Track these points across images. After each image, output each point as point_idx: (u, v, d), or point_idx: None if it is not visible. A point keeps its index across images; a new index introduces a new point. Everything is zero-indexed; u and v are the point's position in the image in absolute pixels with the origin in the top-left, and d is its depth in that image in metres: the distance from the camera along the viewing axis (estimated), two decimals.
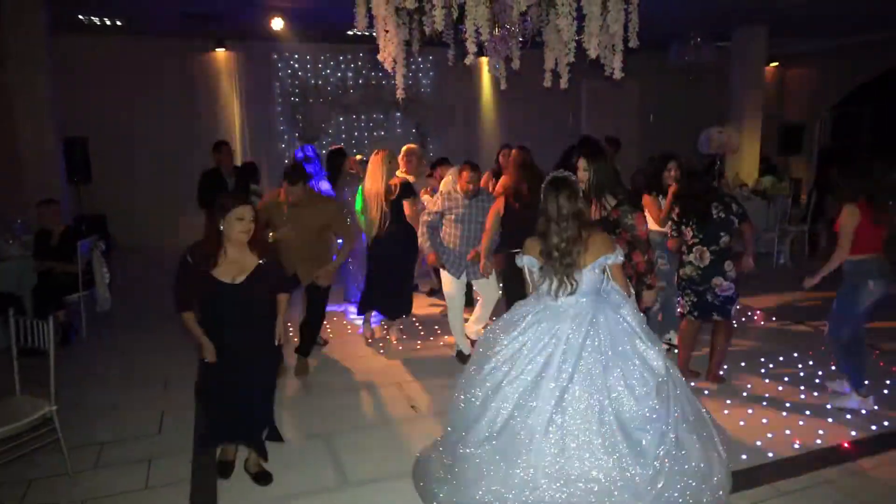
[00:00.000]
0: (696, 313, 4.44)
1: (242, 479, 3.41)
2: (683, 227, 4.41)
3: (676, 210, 4.52)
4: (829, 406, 4.19)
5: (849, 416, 4.04)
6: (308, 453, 3.67)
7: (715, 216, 4.27)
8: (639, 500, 2.70)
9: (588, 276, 2.99)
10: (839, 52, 11.78)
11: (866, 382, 4.19)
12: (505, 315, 3.24)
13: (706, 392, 4.44)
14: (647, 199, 4.96)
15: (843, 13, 8.72)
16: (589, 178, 3.76)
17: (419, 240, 5.12)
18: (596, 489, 2.70)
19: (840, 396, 4.27)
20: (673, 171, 4.85)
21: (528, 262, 3.12)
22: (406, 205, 5.15)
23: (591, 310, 2.97)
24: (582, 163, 3.80)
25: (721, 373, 4.62)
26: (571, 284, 2.96)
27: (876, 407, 4.13)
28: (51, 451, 3.49)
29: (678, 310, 4.64)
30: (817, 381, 4.61)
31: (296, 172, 4.47)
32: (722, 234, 4.26)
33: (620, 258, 3.08)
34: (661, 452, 2.77)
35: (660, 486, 2.73)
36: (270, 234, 4.32)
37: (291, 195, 4.43)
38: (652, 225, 4.90)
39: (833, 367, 4.67)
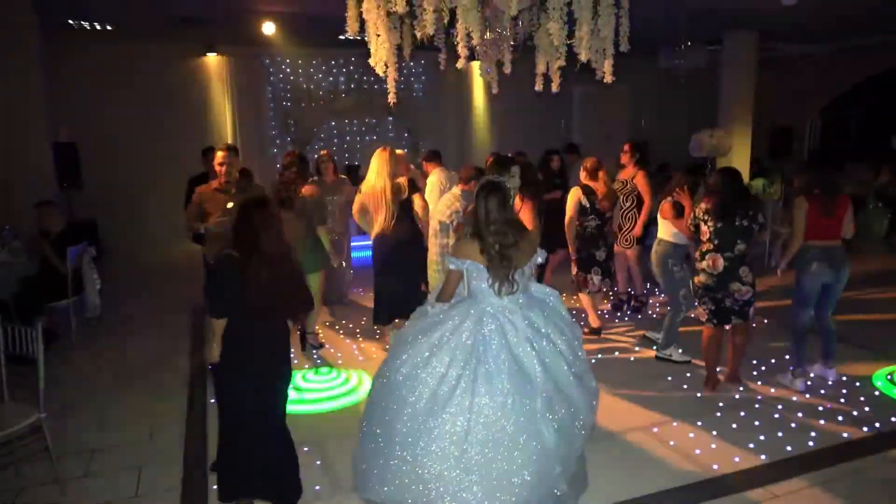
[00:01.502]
0: (715, 320, 4.40)
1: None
2: (704, 224, 4.32)
3: (701, 206, 4.37)
4: (807, 395, 4.24)
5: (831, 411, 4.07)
6: (300, 460, 3.64)
7: (738, 224, 4.24)
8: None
9: (523, 275, 3.11)
10: (829, 57, 11.89)
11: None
12: (420, 319, 3.21)
13: (698, 395, 4.44)
14: (671, 212, 4.89)
15: (831, 19, 8.80)
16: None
17: (430, 240, 5.15)
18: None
19: (783, 376, 4.63)
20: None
21: (469, 265, 3.04)
22: (416, 199, 5.16)
23: (522, 308, 3.06)
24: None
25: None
26: (514, 284, 3.02)
27: (801, 388, 4.47)
28: (39, 459, 3.46)
29: (702, 318, 4.50)
30: (810, 382, 4.62)
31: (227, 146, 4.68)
32: (739, 241, 4.25)
33: (543, 258, 3.28)
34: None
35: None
36: (204, 224, 4.46)
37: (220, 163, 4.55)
38: (667, 234, 4.95)
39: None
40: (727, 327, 4.49)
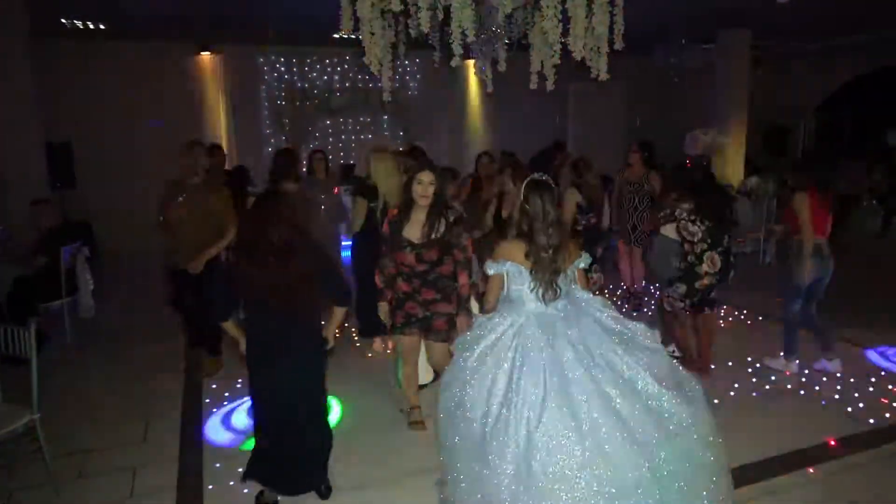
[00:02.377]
0: (687, 310, 4.63)
1: (230, 487, 3.37)
2: (693, 225, 4.37)
3: (687, 206, 4.40)
4: (800, 392, 4.24)
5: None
6: None
7: (728, 220, 4.46)
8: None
9: (565, 280, 2.94)
10: (822, 55, 11.92)
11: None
12: (474, 335, 2.96)
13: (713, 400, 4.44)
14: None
15: (825, 17, 8.82)
16: (433, 194, 3.57)
17: None
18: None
19: (773, 360, 4.83)
20: None
21: (511, 268, 2.90)
22: None
23: (575, 313, 2.88)
24: (429, 177, 3.55)
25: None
26: (557, 290, 2.87)
27: (796, 370, 4.70)
28: (33, 461, 3.44)
29: (667, 307, 4.69)
30: (804, 379, 4.64)
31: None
32: (725, 237, 4.42)
33: (588, 261, 3.08)
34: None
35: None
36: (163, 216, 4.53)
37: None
38: (671, 232, 4.95)
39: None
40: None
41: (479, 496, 2.58)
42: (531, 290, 2.87)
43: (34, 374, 3.27)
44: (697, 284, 4.43)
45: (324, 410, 3.29)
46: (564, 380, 2.60)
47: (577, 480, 2.40)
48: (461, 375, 2.80)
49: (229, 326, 3.08)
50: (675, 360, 2.95)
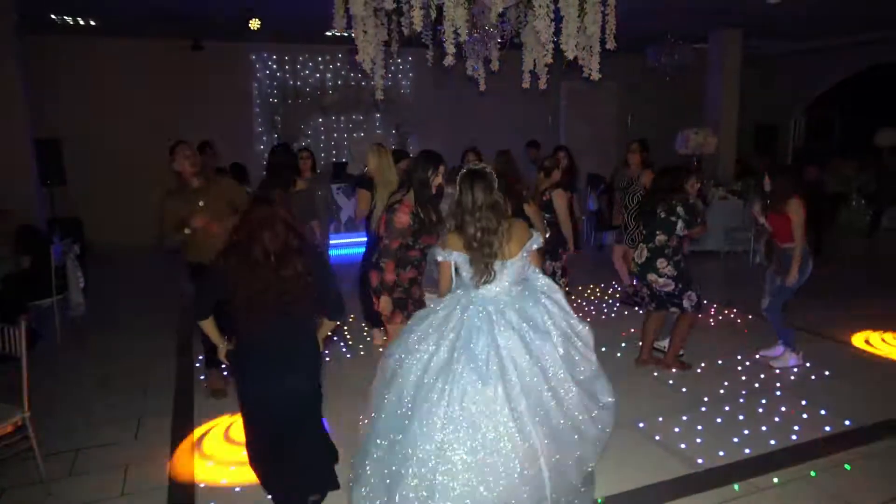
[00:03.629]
0: (652, 305, 4.74)
1: (222, 485, 3.37)
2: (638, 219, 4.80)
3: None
4: (790, 389, 4.28)
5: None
6: None
7: (658, 215, 4.52)
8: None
9: (515, 265, 3.00)
10: (813, 55, 12.00)
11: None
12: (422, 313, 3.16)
13: (683, 390, 4.48)
14: None
15: (815, 17, 8.89)
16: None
17: None
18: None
19: (778, 359, 4.88)
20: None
21: (455, 257, 3.02)
22: None
23: (514, 300, 2.96)
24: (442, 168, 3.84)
25: (682, 357, 4.87)
26: (490, 273, 2.95)
27: (805, 364, 4.84)
28: (24, 459, 3.43)
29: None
30: (793, 377, 4.69)
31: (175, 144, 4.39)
32: (658, 232, 4.50)
33: (541, 242, 3.12)
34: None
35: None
36: (186, 229, 4.17)
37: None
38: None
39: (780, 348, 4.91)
40: (669, 311, 4.73)
41: (391, 468, 2.73)
42: (470, 277, 2.99)
43: (25, 372, 3.26)
44: (632, 266, 4.82)
45: (318, 420, 3.14)
46: (497, 360, 2.74)
47: (489, 457, 2.61)
48: (403, 344, 2.96)
49: (208, 327, 2.95)
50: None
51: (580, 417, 2.86)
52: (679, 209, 4.45)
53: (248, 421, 3.01)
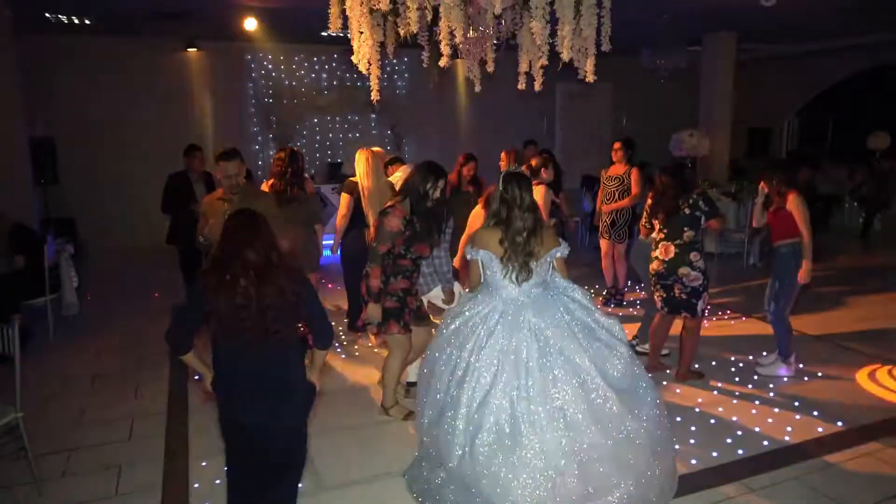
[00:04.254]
0: (666, 308, 4.60)
1: (216, 485, 3.36)
2: (653, 219, 4.63)
3: (649, 202, 4.68)
4: (783, 391, 4.29)
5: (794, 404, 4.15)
6: None
7: (682, 212, 4.44)
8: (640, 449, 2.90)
9: (542, 267, 3.12)
10: (806, 58, 12.07)
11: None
12: (456, 310, 3.30)
13: (678, 391, 4.50)
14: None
15: (809, 21, 8.94)
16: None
17: None
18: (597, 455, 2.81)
19: (767, 366, 4.82)
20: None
21: (483, 255, 3.13)
22: None
23: (533, 301, 3.08)
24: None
25: (695, 368, 4.76)
26: (529, 271, 3.04)
27: (801, 365, 4.83)
28: (16, 459, 3.42)
29: (657, 304, 4.67)
30: (786, 379, 4.71)
31: (232, 150, 4.07)
32: (685, 228, 4.43)
33: (566, 251, 3.23)
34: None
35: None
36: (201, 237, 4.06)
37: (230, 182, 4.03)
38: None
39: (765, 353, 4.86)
40: (678, 318, 4.65)
41: (435, 451, 3.05)
42: (503, 277, 3.06)
43: (17, 371, 3.24)
44: (649, 266, 4.63)
45: (300, 460, 2.81)
46: (518, 367, 2.89)
47: (511, 461, 2.76)
48: (437, 343, 3.20)
49: (191, 360, 2.62)
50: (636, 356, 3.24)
51: (611, 409, 2.90)
52: (700, 203, 4.44)
53: (227, 458, 2.75)
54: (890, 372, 4.85)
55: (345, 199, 5.29)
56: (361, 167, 5.08)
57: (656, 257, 4.56)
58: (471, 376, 2.94)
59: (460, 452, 2.88)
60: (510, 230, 3.06)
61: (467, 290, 3.44)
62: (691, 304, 4.49)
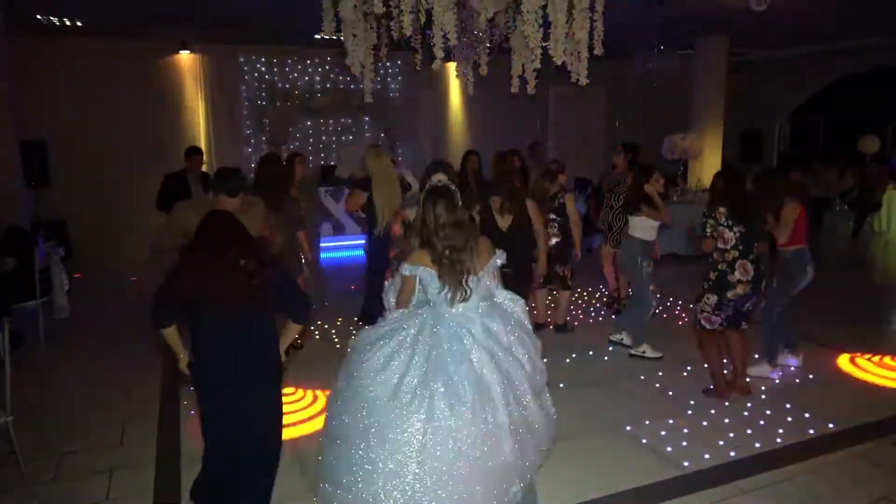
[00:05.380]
0: (724, 324, 4.30)
1: None
2: (728, 230, 4.12)
3: (722, 210, 4.15)
4: (775, 392, 4.32)
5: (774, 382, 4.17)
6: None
7: (759, 226, 4.23)
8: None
9: (482, 281, 2.98)
10: (797, 62, 12.16)
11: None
12: (379, 325, 3.07)
13: (670, 393, 4.51)
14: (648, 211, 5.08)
15: (799, 24, 9.01)
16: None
17: None
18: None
19: (758, 368, 4.76)
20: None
21: (422, 272, 2.94)
22: None
23: (480, 316, 2.93)
24: (443, 176, 3.76)
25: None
26: (466, 291, 2.91)
27: (792, 367, 4.85)
28: (6, 464, 3.39)
29: (709, 325, 4.31)
30: (777, 381, 4.73)
31: (234, 181, 3.73)
32: (757, 244, 4.20)
33: (503, 259, 3.12)
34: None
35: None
36: None
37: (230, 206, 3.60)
38: (637, 233, 5.07)
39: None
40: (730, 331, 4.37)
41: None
42: (439, 293, 2.91)
43: (7, 375, 3.22)
44: (730, 294, 4.17)
45: (276, 441, 2.95)
46: (471, 377, 2.73)
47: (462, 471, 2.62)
48: (360, 372, 2.82)
49: (170, 335, 2.79)
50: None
51: (536, 427, 2.92)
52: (769, 218, 4.32)
53: (205, 436, 2.86)
54: (870, 359, 5.05)
55: (359, 196, 5.30)
56: (373, 163, 5.12)
57: (739, 280, 4.12)
58: (423, 392, 2.70)
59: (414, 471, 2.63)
60: (434, 252, 2.92)
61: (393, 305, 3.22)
62: (747, 312, 4.35)
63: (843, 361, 5.08)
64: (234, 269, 2.64)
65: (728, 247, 4.13)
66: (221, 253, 2.66)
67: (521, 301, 3.15)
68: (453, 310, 2.91)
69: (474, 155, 6.58)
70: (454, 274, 2.89)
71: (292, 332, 2.94)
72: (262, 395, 2.81)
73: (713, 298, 4.23)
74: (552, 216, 5.59)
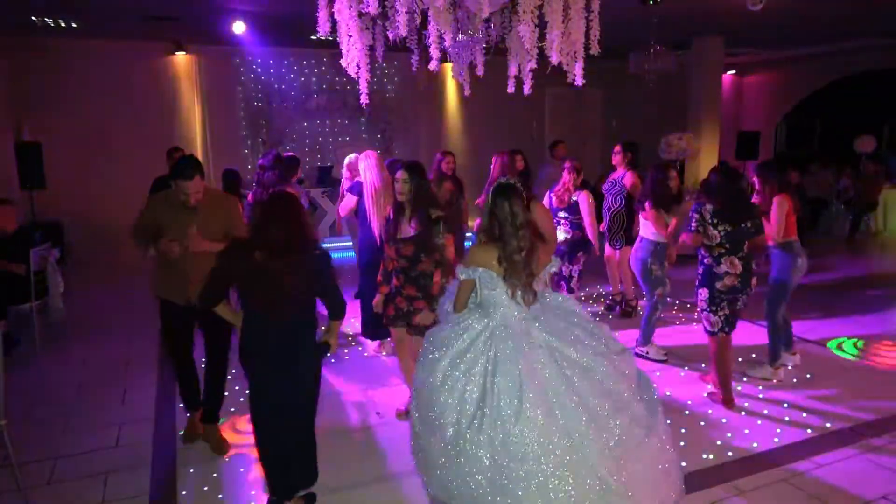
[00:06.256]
0: (727, 328, 4.25)
1: (204, 492, 3.33)
2: (712, 227, 4.11)
3: (708, 207, 4.13)
4: (773, 392, 4.31)
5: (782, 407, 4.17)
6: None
7: (743, 227, 4.11)
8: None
9: (539, 284, 2.97)
10: (793, 62, 12.18)
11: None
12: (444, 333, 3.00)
13: (668, 393, 4.51)
14: (651, 213, 4.92)
15: (796, 25, 9.02)
16: (409, 191, 3.72)
17: None
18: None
19: (757, 369, 4.80)
20: (674, 181, 5.01)
21: (482, 273, 2.87)
22: None
23: (535, 317, 2.90)
24: (402, 174, 3.72)
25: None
26: (535, 292, 2.87)
27: (790, 367, 4.86)
28: (1, 467, 3.36)
29: (712, 327, 4.27)
30: (775, 381, 4.73)
31: (189, 165, 3.50)
32: (747, 242, 4.16)
33: (558, 266, 3.13)
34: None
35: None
36: (163, 243, 3.50)
37: (187, 194, 3.48)
38: (648, 233, 5.01)
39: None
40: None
41: (453, 485, 2.71)
42: (507, 295, 2.85)
43: (1, 377, 3.20)
44: (719, 285, 4.14)
45: (313, 412, 3.18)
46: (539, 383, 2.67)
47: (549, 475, 2.53)
48: (431, 379, 2.83)
49: (222, 310, 3.05)
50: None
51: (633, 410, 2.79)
52: (756, 221, 4.23)
53: (254, 414, 3.05)
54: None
55: (350, 199, 5.25)
56: (363, 165, 5.09)
57: (726, 272, 4.11)
58: (491, 401, 2.66)
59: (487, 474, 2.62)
60: (507, 249, 2.84)
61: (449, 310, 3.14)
62: (740, 311, 4.31)
63: (842, 360, 5.08)
64: (262, 274, 2.82)
65: (713, 244, 4.13)
66: (271, 248, 2.81)
67: (572, 299, 3.17)
68: (514, 313, 2.85)
69: (450, 155, 6.52)
70: (524, 275, 2.84)
71: (334, 327, 3.17)
72: (297, 376, 2.98)
73: (705, 293, 4.23)
74: (563, 214, 5.59)
